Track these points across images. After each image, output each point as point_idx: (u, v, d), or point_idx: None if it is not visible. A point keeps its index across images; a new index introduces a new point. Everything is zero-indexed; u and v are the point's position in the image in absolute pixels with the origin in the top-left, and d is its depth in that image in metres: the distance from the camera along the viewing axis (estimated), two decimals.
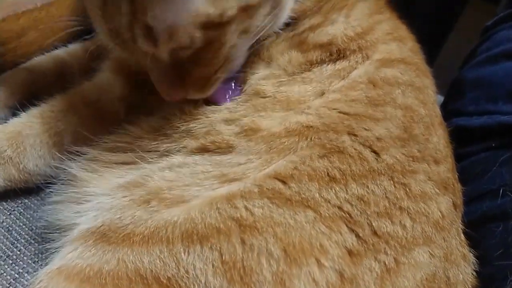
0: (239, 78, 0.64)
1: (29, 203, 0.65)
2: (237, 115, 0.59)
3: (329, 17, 0.65)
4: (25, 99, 0.72)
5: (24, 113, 0.67)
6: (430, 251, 0.53)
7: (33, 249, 0.61)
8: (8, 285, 0.57)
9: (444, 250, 0.55)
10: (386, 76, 0.62)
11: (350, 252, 0.49)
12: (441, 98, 0.81)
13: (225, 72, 0.60)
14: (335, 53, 0.63)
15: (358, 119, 0.57)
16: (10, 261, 0.60)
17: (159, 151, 0.59)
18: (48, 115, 0.66)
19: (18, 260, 0.60)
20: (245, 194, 0.51)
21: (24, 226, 0.63)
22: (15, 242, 0.61)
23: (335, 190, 0.52)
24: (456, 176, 0.63)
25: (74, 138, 0.65)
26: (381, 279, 0.50)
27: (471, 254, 0.59)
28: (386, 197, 0.53)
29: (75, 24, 0.63)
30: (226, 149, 0.57)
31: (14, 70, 0.76)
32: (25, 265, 0.60)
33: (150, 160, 0.58)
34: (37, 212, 0.64)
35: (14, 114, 0.69)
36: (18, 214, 0.64)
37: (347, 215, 0.51)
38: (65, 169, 0.61)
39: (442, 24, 1.46)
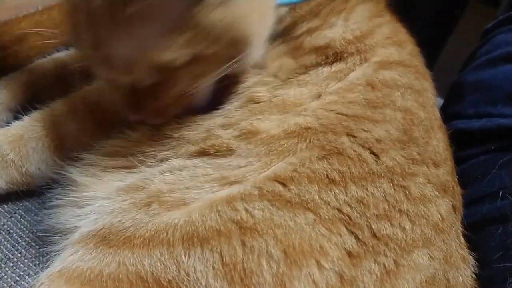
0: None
1: (30, 206, 0.66)
2: (233, 120, 0.60)
3: (327, 20, 0.65)
4: (27, 101, 0.72)
5: (26, 116, 0.67)
6: (429, 253, 0.53)
7: (34, 251, 0.61)
8: None
9: (444, 252, 0.55)
10: (384, 79, 0.62)
11: (349, 254, 0.50)
12: (440, 101, 0.81)
13: (184, 105, 0.61)
14: (331, 56, 0.63)
15: (357, 121, 0.58)
16: (11, 264, 0.60)
17: (158, 157, 0.59)
18: (49, 119, 0.67)
19: (19, 263, 0.60)
20: (245, 196, 0.52)
21: (25, 229, 0.63)
22: (16, 244, 0.62)
23: (334, 192, 0.52)
24: (456, 179, 0.63)
25: (75, 142, 0.65)
26: (381, 281, 0.50)
27: (471, 257, 0.59)
28: (386, 199, 0.53)
29: None
30: (226, 152, 0.57)
31: (16, 73, 0.76)
32: (26, 268, 0.60)
33: (150, 163, 0.58)
34: (38, 215, 0.64)
35: (16, 117, 0.70)
36: (19, 217, 0.64)
37: (347, 217, 0.51)
38: (64, 174, 0.61)
39: (442, 27, 1.46)
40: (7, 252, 0.61)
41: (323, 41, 0.64)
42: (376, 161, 0.55)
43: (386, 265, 0.50)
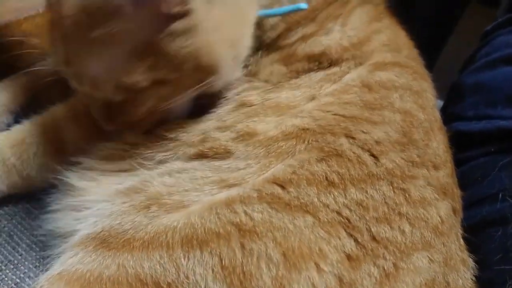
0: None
1: (31, 208, 0.66)
2: (228, 122, 0.60)
3: (324, 25, 0.65)
4: (27, 103, 0.72)
5: (27, 120, 0.68)
6: (429, 256, 0.53)
7: (34, 254, 0.61)
8: None
9: (444, 255, 0.55)
10: (381, 80, 0.62)
11: (349, 257, 0.49)
12: (440, 103, 0.81)
13: (158, 120, 0.62)
14: (325, 62, 0.63)
15: (355, 122, 0.57)
16: (12, 266, 0.60)
17: (156, 159, 0.59)
18: (50, 123, 0.67)
19: (20, 265, 0.60)
20: (244, 199, 0.52)
21: (25, 231, 0.63)
22: (17, 247, 0.62)
23: (333, 195, 0.52)
24: (456, 181, 0.63)
25: (76, 146, 0.65)
26: (380, 284, 0.50)
27: (471, 259, 0.59)
28: (385, 202, 0.53)
29: None
30: (224, 154, 0.57)
31: (16, 75, 0.76)
32: (26, 270, 0.60)
33: (149, 166, 0.58)
34: (38, 219, 0.64)
35: (16, 119, 0.70)
36: (20, 219, 0.64)
37: (346, 220, 0.51)
38: (64, 179, 0.61)
39: (442, 27, 1.46)
40: (7, 254, 0.61)
41: (318, 49, 0.63)
42: (376, 163, 0.55)
43: (386, 268, 0.50)
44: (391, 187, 0.54)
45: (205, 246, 0.49)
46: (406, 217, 0.53)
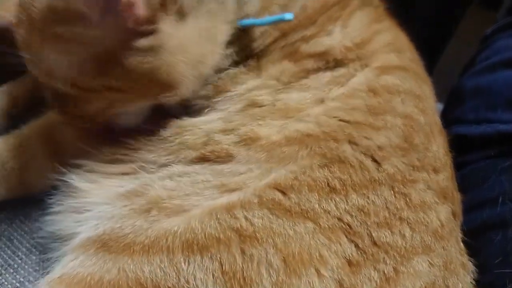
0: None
1: (31, 212, 0.66)
2: (233, 124, 0.59)
3: (324, 28, 0.65)
4: (27, 107, 0.72)
5: (25, 125, 0.68)
6: (429, 260, 0.53)
7: (34, 258, 0.61)
8: None
9: (444, 259, 0.55)
10: (386, 84, 0.62)
11: (349, 262, 0.49)
12: (440, 106, 0.81)
13: (108, 122, 0.62)
14: (331, 61, 0.63)
15: (359, 128, 0.57)
16: (12, 270, 0.60)
17: (158, 163, 0.59)
18: (47, 126, 0.67)
19: (20, 269, 0.60)
20: (245, 204, 0.51)
21: (25, 235, 0.63)
22: (16, 251, 0.62)
23: (335, 201, 0.52)
24: (456, 184, 0.63)
25: (73, 148, 0.65)
26: None
27: (471, 263, 0.59)
28: (387, 207, 0.53)
29: None
30: (226, 158, 0.57)
31: (16, 80, 0.76)
32: (26, 274, 0.60)
33: (151, 170, 0.58)
34: (38, 221, 0.64)
35: (15, 123, 0.70)
36: (20, 223, 0.64)
37: (347, 226, 0.51)
38: (65, 180, 0.61)
39: (442, 27, 1.45)
40: (7, 258, 0.61)
41: (322, 48, 0.63)
42: (378, 169, 0.55)
43: (386, 272, 0.50)
44: (392, 192, 0.54)
45: (206, 251, 0.49)
46: (407, 221, 0.53)
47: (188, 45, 0.57)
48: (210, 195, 0.54)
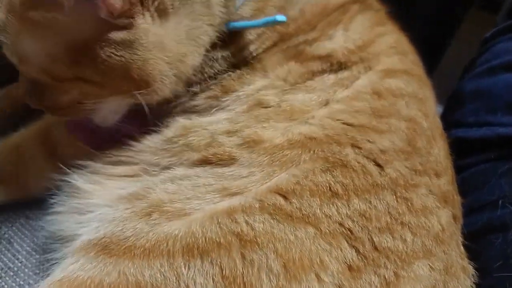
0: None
1: (31, 214, 0.66)
2: (238, 126, 0.59)
3: (325, 32, 0.65)
4: (26, 108, 0.72)
5: (23, 128, 0.68)
6: (430, 264, 0.53)
7: (34, 260, 0.61)
8: None
9: (444, 263, 0.55)
10: (390, 87, 0.62)
11: (350, 267, 0.49)
12: (440, 109, 0.81)
13: (81, 115, 0.61)
14: (335, 64, 0.63)
15: (362, 131, 0.57)
16: (11, 273, 0.60)
17: (161, 165, 0.59)
18: (44, 127, 0.67)
19: (20, 272, 0.60)
20: (246, 208, 0.51)
21: (25, 238, 0.63)
22: (16, 253, 0.62)
23: (337, 206, 0.52)
24: (456, 188, 0.63)
25: (69, 147, 0.65)
26: None
27: (471, 266, 0.59)
28: (389, 212, 0.53)
29: None
30: (228, 161, 0.57)
31: (16, 83, 0.76)
32: (26, 277, 0.60)
33: (154, 172, 0.58)
34: (39, 223, 0.64)
35: (15, 124, 0.70)
36: (20, 226, 0.64)
37: (348, 231, 0.51)
38: (67, 181, 0.61)
39: (443, 26, 1.45)
40: (7, 261, 0.61)
41: (324, 51, 0.63)
42: (380, 173, 0.55)
43: (386, 277, 0.50)
44: (394, 196, 0.54)
45: (206, 255, 0.49)
46: (408, 226, 0.53)
47: (169, 43, 0.57)
48: (212, 199, 0.54)
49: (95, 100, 0.59)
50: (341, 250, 0.50)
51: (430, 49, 1.28)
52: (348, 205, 0.52)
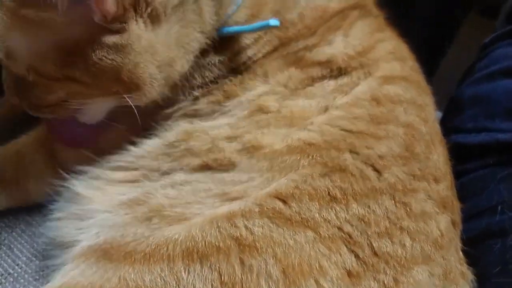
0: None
1: (31, 220, 0.66)
2: (238, 131, 0.60)
3: (325, 38, 0.65)
4: (26, 115, 0.72)
5: (24, 134, 0.68)
6: (429, 269, 0.53)
7: (34, 266, 0.61)
8: None
9: (443, 268, 0.55)
10: (389, 94, 0.62)
11: (349, 273, 0.49)
12: (439, 114, 0.81)
13: (66, 114, 0.61)
14: (335, 70, 0.64)
15: (360, 137, 0.58)
16: (11, 279, 0.60)
17: (161, 170, 0.59)
18: (44, 134, 0.68)
19: (19, 278, 0.60)
20: (246, 213, 0.52)
21: (25, 244, 0.63)
22: (17, 259, 0.62)
23: (335, 210, 0.52)
24: (455, 193, 0.63)
25: (69, 155, 0.66)
26: None
27: (470, 272, 0.59)
28: (387, 217, 0.53)
29: None
30: (228, 166, 0.57)
31: None
32: (26, 283, 0.60)
33: (153, 178, 0.59)
34: (39, 229, 0.64)
35: (16, 130, 0.70)
36: (20, 232, 0.64)
37: (347, 235, 0.51)
38: (68, 187, 0.61)
39: (442, 27, 1.44)
40: (7, 267, 0.61)
41: (324, 57, 0.64)
42: (378, 178, 0.55)
43: (386, 283, 0.50)
44: (393, 201, 0.54)
45: (205, 260, 0.49)
46: (407, 231, 0.53)
47: (159, 48, 0.57)
48: (212, 204, 0.54)
49: (82, 100, 0.59)
50: (340, 255, 0.50)
51: (430, 51, 1.28)
52: (347, 210, 0.52)
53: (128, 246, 0.52)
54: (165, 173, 0.59)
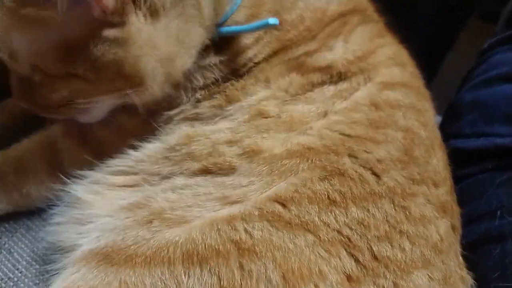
0: None
1: (32, 224, 0.66)
2: (239, 136, 0.60)
3: (326, 43, 0.66)
4: (27, 120, 0.72)
5: (25, 139, 0.68)
6: (429, 274, 0.53)
7: (34, 271, 0.61)
8: None
9: (443, 272, 0.55)
10: (388, 99, 0.63)
11: (349, 278, 0.50)
12: (439, 119, 0.81)
13: (71, 114, 0.62)
14: (335, 75, 0.64)
15: (359, 141, 0.58)
16: (11, 283, 0.60)
17: (161, 174, 0.59)
18: (46, 139, 0.68)
19: (19, 282, 0.60)
20: (246, 216, 0.52)
21: (25, 248, 0.63)
22: (17, 264, 0.61)
23: (335, 213, 0.52)
24: (455, 198, 0.64)
25: (71, 159, 0.66)
26: None
27: (469, 277, 0.59)
28: (387, 220, 0.53)
29: None
30: (228, 170, 0.57)
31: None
32: (26, 287, 0.60)
33: (154, 182, 0.59)
34: (39, 233, 0.64)
35: (16, 135, 0.70)
36: (20, 236, 0.64)
37: (347, 239, 0.51)
38: (69, 191, 0.61)
39: (443, 27, 1.44)
40: (7, 271, 0.61)
41: (325, 62, 0.64)
42: (377, 182, 0.55)
43: (386, 287, 0.50)
44: (392, 205, 0.55)
45: (205, 263, 0.49)
46: (407, 235, 0.54)
47: (159, 42, 0.58)
48: (212, 207, 0.54)
49: (86, 98, 0.60)
50: (340, 259, 0.50)
51: (431, 52, 1.28)
52: (346, 213, 0.53)
53: (129, 249, 0.52)
54: (166, 177, 0.59)
